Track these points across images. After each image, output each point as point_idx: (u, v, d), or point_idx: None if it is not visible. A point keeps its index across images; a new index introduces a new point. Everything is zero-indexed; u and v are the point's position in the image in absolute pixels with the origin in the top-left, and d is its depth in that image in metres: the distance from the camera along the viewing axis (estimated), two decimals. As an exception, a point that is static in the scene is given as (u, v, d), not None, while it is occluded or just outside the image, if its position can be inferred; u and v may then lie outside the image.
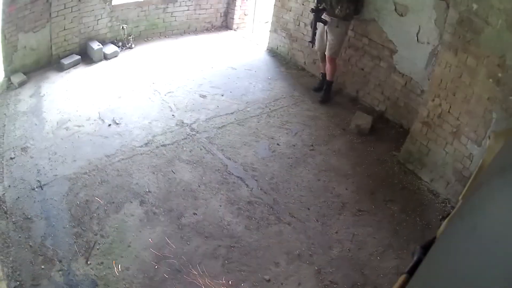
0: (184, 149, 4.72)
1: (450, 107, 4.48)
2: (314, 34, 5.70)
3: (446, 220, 0.93)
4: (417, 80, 5.33)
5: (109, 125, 5.09)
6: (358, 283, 3.57)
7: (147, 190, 4.19)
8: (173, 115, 5.29)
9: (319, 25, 5.55)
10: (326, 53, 5.68)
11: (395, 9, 5.21)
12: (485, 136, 4.21)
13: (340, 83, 6.22)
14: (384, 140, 5.45)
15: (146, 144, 4.76)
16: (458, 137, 4.47)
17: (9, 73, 6.09)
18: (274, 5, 7.03)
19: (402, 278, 0.88)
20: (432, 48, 5.06)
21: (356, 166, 4.85)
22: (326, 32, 5.53)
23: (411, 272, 0.87)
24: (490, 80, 4.04)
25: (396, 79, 5.55)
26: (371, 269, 3.71)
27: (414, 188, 4.76)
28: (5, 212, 4.09)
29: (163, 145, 4.77)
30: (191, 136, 4.94)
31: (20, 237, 3.85)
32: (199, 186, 4.24)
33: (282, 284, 3.47)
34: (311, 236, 3.89)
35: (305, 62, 6.84)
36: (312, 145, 5.06)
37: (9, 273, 3.63)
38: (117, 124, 5.11)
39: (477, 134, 4.28)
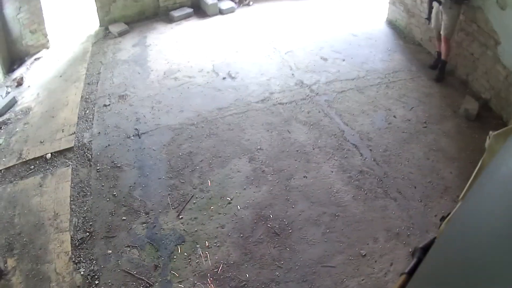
0: (302, 109, 4.74)
1: None
2: (430, 11, 5.65)
3: (446, 221, 0.92)
4: None
5: (224, 78, 5.19)
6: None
7: (259, 148, 4.22)
8: (292, 74, 5.33)
9: (435, 4, 5.51)
10: (441, 32, 5.61)
11: (497, 1, 4.98)
12: None
13: (452, 65, 6.04)
14: (487, 129, 5.11)
15: (262, 101, 4.81)
16: None
17: (106, 23, 6.21)
18: None
19: (402, 278, 0.87)
20: None
21: (461, 151, 4.70)
22: (441, 12, 5.46)
23: (411, 272, 0.88)
24: None
25: (499, 70, 5.30)
26: None
27: None
28: (89, 160, 4.20)
29: (281, 103, 4.80)
30: (310, 97, 4.96)
31: (103, 186, 3.92)
32: (313, 148, 4.26)
33: (376, 261, 3.46)
34: (413, 216, 3.85)
35: (421, 38, 6.66)
36: (425, 122, 4.96)
37: (78, 224, 3.68)
38: (233, 78, 5.19)
39: None
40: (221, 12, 6.70)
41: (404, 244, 3.59)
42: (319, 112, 4.74)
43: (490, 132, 0.93)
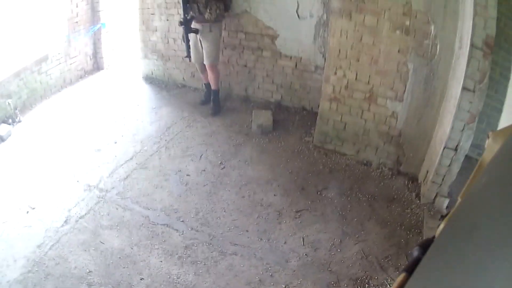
0: (102, 214, 4.44)
1: (357, 74, 4.57)
2: (188, 47, 5.50)
3: (445, 219, 0.94)
4: (308, 58, 5.39)
5: (27, 212, 4.84)
6: (332, 282, 3.60)
7: (88, 271, 4.01)
8: (77, 181, 5.10)
9: (191, 36, 5.38)
10: (204, 62, 5.52)
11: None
12: (405, 90, 4.43)
13: (226, 88, 6.11)
14: (292, 130, 5.51)
15: (65, 222, 4.56)
16: (374, 101, 4.62)
17: None
18: (139, 30, 6.73)
19: (401, 277, 0.89)
20: (317, 20, 5.11)
21: (274, 168, 4.84)
22: (200, 41, 5.38)
23: (410, 270, 0.88)
24: (397, 32, 4.20)
25: (284, 64, 5.58)
26: (337, 264, 3.76)
27: (342, 167, 4.88)
28: None
29: (81, 217, 4.54)
30: (102, 197, 4.61)
31: None
32: (131, 248, 4.11)
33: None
34: (263, 257, 3.83)
35: (183, 78, 6.66)
36: (221, 163, 4.96)
37: None
38: (33, 208, 4.86)
39: (395, 90, 4.46)
40: (2, 139, 6.10)
41: (274, 285, 3.56)
42: (117, 209, 4.44)
43: (490, 132, 0.92)
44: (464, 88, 3.88)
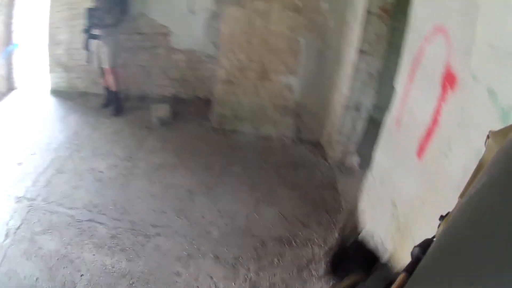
0: (33, 221, 4.19)
1: (249, 55, 4.71)
2: (89, 53, 5.49)
3: (445, 219, 0.93)
4: (200, 49, 5.56)
5: None
6: (258, 245, 3.74)
7: (35, 278, 3.71)
8: (8, 195, 4.79)
9: (92, 42, 5.37)
10: (105, 66, 5.55)
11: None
12: (296, 64, 4.64)
13: (125, 88, 6.14)
14: (190, 118, 5.70)
15: (6, 236, 4.09)
16: (267, 78, 4.79)
17: None
18: (47, 45, 6.47)
19: (401, 276, 0.89)
20: (209, 13, 5.29)
21: (179, 154, 4.98)
22: (100, 46, 5.39)
23: (410, 270, 0.88)
24: (289, 12, 4.42)
25: (177, 58, 5.72)
26: (258, 228, 3.93)
27: (244, 144, 5.06)
28: None
29: (18, 228, 4.17)
30: (31, 206, 4.32)
31: None
32: (66, 248, 4.05)
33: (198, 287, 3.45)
34: (185, 234, 3.91)
35: (86, 85, 6.55)
36: (130, 156, 5.05)
37: None
38: None
39: (287, 66, 4.66)
40: None
41: (202, 257, 3.67)
42: (44, 214, 4.19)
43: (490, 131, 0.92)
44: (361, 51, 4.18)
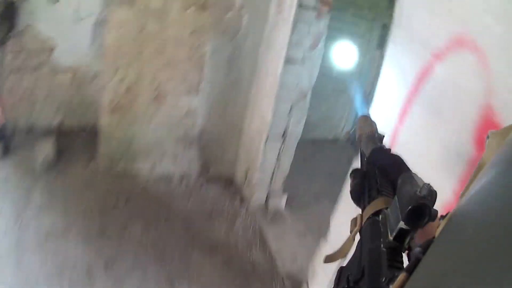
0: None
1: (140, 72, 3.74)
2: None
3: (445, 219, 0.74)
4: (86, 65, 4.67)
5: None
6: None
7: None
8: None
9: None
10: None
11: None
12: (201, 80, 3.73)
13: (11, 119, 4.87)
14: (76, 157, 4.57)
15: None
16: (163, 100, 3.82)
17: None
18: None
19: (401, 276, 0.71)
20: (96, 18, 4.42)
21: (68, 211, 3.85)
22: None
23: (410, 270, 0.71)
24: (191, 9, 3.46)
25: (61, 78, 4.71)
26: None
27: (140, 191, 4.11)
28: None
29: None
30: None
31: None
32: None
33: None
34: None
35: None
36: (18, 216, 3.82)
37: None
38: None
39: (188, 83, 3.74)
40: None
41: None
42: None
43: (489, 131, 0.76)
44: (288, 60, 3.26)
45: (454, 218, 0.75)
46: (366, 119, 1.27)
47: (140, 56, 3.69)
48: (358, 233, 0.96)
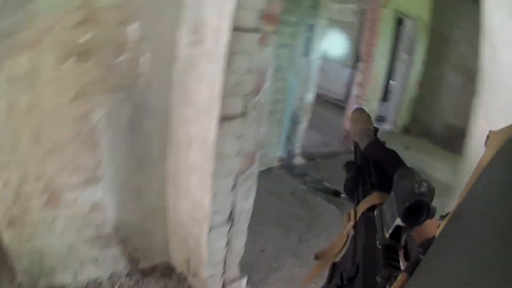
0: None
1: (23, 168, 2.71)
2: None
3: (445, 219, 0.71)
4: None
5: None
6: None
7: None
8: None
9: None
10: None
11: None
12: (98, 164, 2.81)
13: None
14: None
15: None
16: (58, 202, 2.84)
17: None
18: None
19: (402, 277, 0.70)
20: None
21: None
22: None
23: (410, 271, 0.71)
24: (69, 62, 2.41)
25: None
26: None
27: None
28: None
29: None
30: None
31: None
32: None
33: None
34: None
35: None
36: None
37: None
38: None
39: (82, 170, 2.78)
40: None
41: None
42: None
43: (489, 131, 0.72)
44: (223, 117, 2.36)
45: (454, 218, 0.73)
46: (361, 111, 1.21)
47: (18, 145, 2.67)
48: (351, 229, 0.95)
